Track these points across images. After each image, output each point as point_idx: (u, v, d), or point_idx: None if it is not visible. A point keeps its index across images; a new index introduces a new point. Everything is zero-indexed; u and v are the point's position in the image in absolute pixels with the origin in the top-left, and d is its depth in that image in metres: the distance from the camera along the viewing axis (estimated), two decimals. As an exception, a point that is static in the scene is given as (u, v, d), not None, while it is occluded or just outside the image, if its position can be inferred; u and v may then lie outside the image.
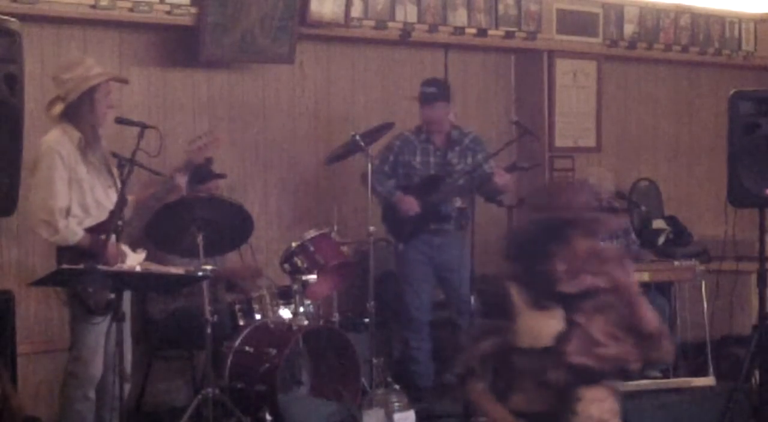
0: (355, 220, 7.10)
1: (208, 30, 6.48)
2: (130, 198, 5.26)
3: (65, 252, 5.04)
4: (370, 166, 6.39)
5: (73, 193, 5.08)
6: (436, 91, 6.87)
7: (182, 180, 5.38)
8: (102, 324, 5.05)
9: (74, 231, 5.04)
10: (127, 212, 5.21)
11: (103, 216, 5.08)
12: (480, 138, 7.02)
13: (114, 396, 4.89)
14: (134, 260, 5.22)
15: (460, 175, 6.75)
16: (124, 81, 5.50)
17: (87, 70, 5.14)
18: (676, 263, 7.46)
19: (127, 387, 4.96)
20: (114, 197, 5.09)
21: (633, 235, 7.71)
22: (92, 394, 5.14)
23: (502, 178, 6.71)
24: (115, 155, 5.20)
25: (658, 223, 8.65)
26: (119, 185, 5.06)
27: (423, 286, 6.90)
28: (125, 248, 5.19)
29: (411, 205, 6.75)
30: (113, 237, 4.98)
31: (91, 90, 5.10)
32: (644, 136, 9.22)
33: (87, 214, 5.11)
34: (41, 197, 5.07)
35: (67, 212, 5.05)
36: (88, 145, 5.12)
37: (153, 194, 5.39)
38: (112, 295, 4.93)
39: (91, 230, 5.06)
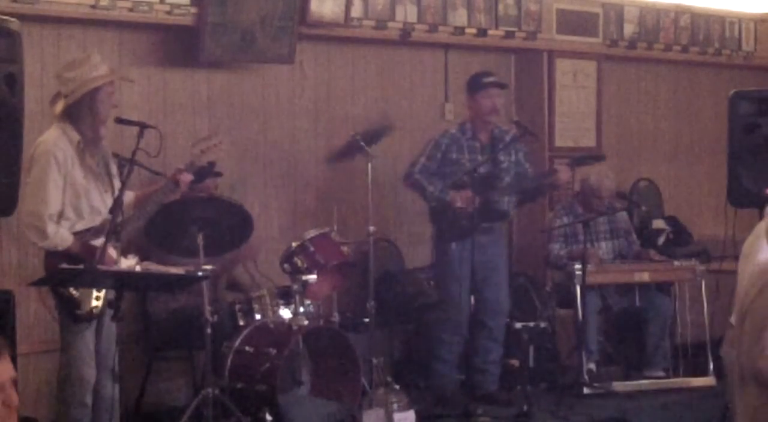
0: (355, 220, 7.10)
1: (208, 30, 6.48)
2: (129, 194, 5.22)
3: (54, 255, 4.96)
4: (369, 165, 6.39)
5: (67, 196, 4.97)
6: (498, 80, 6.99)
7: (187, 177, 5.31)
8: (89, 331, 5.02)
9: (63, 237, 4.94)
10: (128, 210, 5.17)
11: (96, 220, 5.01)
12: (518, 135, 7.00)
13: (114, 398, 4.88)
14: (125, 265, 5.09)
15: (506, 172, 6.83)
16: (128, 80, 5.42)
17: (91, 70, 5.02)
18: (676, 263, 7.46)
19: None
20: (110, 202, 4.99)
21: (634, 235, 7.72)
22: (89, 400, 5.05)
23: (566, 174, 6.85)
24: (115, 155, 5.18)
25: (658, 223, 8.65)
26: (118, 187, 5.01)
27: (466, 285, 6.76)
28: (114, 253, 5.04)
29: (468, 198, 6.65)
30: (113, 238, 4.94)
31: (93, 91, 4.98)
32: (644, 136, 9.21)
33: (80, 218, 5.02)
34: (32, 201, 4.96)
35: (59, 216, 4.95)
36: (86, 147, 5.03)
37: (154, 193, 5.31)
38: (96, 303, 4.92)
39: (81, 234, 4.99)
